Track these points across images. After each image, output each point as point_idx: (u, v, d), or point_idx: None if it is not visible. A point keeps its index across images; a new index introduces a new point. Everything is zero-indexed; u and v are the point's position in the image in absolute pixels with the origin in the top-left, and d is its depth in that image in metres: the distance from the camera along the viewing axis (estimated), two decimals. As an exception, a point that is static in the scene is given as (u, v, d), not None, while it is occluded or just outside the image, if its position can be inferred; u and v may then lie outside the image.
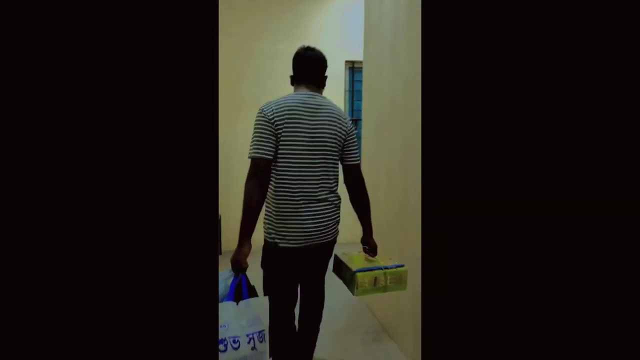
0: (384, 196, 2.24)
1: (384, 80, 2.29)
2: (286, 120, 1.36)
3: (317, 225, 1.43)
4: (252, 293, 1.30)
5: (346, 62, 3.85)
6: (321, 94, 1.53)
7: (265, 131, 1.35)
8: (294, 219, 1.40)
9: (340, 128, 1.47)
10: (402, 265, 1.57)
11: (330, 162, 1.47)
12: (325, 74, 1.55)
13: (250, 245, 1.34)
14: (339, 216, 1.55)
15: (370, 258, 1.62)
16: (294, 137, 1.37)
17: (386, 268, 1.53)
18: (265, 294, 1.44)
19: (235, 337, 1.12)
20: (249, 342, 1.14)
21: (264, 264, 1.49)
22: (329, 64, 1.55)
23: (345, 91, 3.93)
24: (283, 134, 1.36)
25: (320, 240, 1.45)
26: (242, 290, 1.26)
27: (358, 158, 1.56)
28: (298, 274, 1.54)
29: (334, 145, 1.46)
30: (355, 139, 1.55)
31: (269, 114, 1.36)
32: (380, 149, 2.36)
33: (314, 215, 1.42)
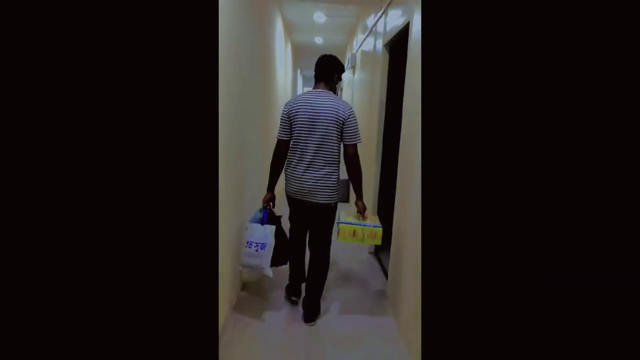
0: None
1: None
2: (295, 114, 2.12)
3: (301, 184, 2.13)
4: (274, 221, 2.28)
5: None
6: (332, 90, 2.19)
7: (283, 121, 2.16)
8: (290, 176, 2.19)
9: (338, 116, 2.07)
10: (380, 226, 2.15)
11: (327, 142, 2.08)
12: (336, 76, 2.20)
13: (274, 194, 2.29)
14: (332, 185, 2.13)
15: (360, 217, 2.22)
16: (299, 124, 2.11)
17: (364, 225, 2.15)
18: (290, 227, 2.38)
19: (251, 242, 2.20)
20: (255, 248, 2.19)
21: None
22: None
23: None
24: (293, 122, 2.13)
25: (306, 198, 2.15)
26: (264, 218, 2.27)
27: (352, 139, 2.10)
28: (299, 218, 2.32)
29: (332, 129, 2.07)
30: (353, 125, 2.08)
31: (285, 110, 2.16)
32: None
33: (299, 177, 2.14)
